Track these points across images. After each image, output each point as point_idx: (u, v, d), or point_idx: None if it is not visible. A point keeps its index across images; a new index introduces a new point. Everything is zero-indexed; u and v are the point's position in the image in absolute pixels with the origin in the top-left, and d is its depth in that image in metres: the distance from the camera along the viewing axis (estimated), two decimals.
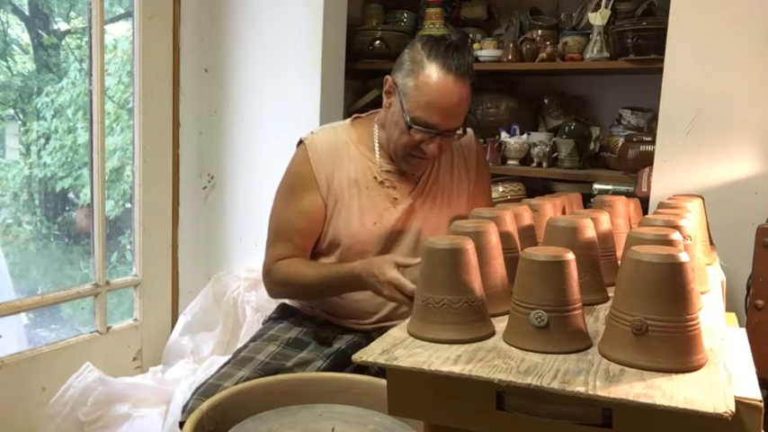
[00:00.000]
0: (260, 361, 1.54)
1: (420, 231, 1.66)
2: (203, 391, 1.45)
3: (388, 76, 1.60)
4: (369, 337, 1.66)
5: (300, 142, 1.69)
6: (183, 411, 1.44)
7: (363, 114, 1.76)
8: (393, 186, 1.66)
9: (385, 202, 1.65)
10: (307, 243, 1.66)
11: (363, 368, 1.45)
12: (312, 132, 1.69)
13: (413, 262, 1.42)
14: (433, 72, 1.51)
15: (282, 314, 1.77)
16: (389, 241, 1.64)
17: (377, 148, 1.67)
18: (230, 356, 1.62)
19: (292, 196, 1.65)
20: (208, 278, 2.66)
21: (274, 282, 1.65)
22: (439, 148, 1.56)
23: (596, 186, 2.43)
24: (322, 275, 1.58)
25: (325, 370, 1.56)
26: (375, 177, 1.65)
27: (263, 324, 1.79)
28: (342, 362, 1.59)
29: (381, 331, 1.53)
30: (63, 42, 3.01)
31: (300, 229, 1.64)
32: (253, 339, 1.68)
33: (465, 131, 1.61)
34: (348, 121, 1.74)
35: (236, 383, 1.43)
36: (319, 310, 1.72)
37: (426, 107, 1.51)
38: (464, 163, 1.75)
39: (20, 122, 2.97)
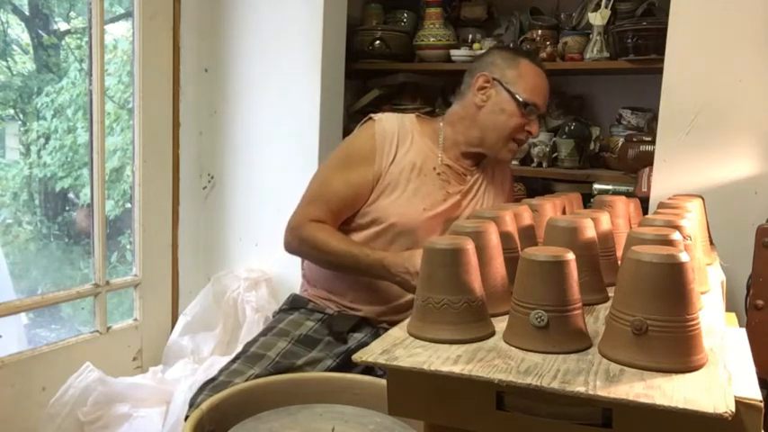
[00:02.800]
0: (271, 359, 1.56)
1: None
2: (213, 387, 1.46)
3: (483, 73, 1.73)
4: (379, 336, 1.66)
5: (369, 119, 1.76)
6: (190, 406, 1.45)
7: (425, 116, 1.87)
8: (448, 181, 1.75)
9: (437, 193, 1.73)
10: (342, 213, 1.70)
11: (371, 368, 1.46)
12: (382, 113, 1.79)
13: None
14: (527, 64, 1.74)
15: (293, 305, 1.77)
16: (431, 230, 1.69)
17: (441, 143, 1.77)
18: (240, 351, 1.62)
19: (345, 165, 1.71)
20: (208, 278, 2.66)
21: (300, 238, 1.68)
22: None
23: (596, 186, 2.43)
24: (352, 254, 1.61)
25: (334, 369, 1.57)
26: (434, 168, 1.74)
27: (273, 316, 1.79)
28: (351, 361, 1.59)
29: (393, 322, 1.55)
30: (63, 42, 3.01)
31: (342, 198, 1.69)
32: (263, 333, 1.68)
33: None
34: (413, 115, 1.84)
35: (247, 381, 1.44)
36: (336, 299, 1.74)
37: (533, 90, 1.72)
38: (501, 185, 1.89)
39: (20, 122, 2.97)
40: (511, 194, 1.98)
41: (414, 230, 1.68)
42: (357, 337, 1.69)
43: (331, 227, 1.68)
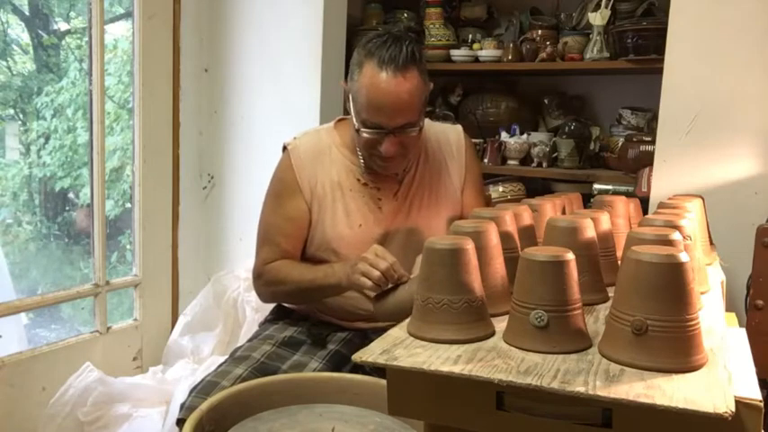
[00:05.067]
0: (256, 359, 1.55)
1: (409, 232, 1.65)
2: (201, 389, 1.46)
3: (341, 82, 1.60)
4: (362, 334, 1.66)
5: (285, 148, 1.69)
6: (180, 409, 1.45)
7: (348, 116, 1.72)
8: (377, 188, 1.65)
9: (369, 204, 1.64)
10: (294, 247, 1.66)
11: (360, 367, 1.46)
12: (295, 137, 1.69)
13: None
14: (368, 71, 1.48)
15: (278, 315, 1.78)
16: (377, 243, 1.61)
17: (359, 150, 1.65)
18: (228, 356, 1.63)
19: (278, 202, 1.66)
20: (208, 278, 2.66)
21: (266, 284, 1.66)
22: (397, 146, 1.53)
23: (596, 186, 2.43)
24: (312, 275, 1.59)
25: (320, 371, 1.57)
26: (358, 180, 1.65)
27: (259, 326, 1.80)
28: (337, 362, 1.59)
29: (376, 329, 1.54)
30: (63, 42, 3.01)
31: (287, 234, 1.65)
32: (249, 340, 1.69)
33: (422, 125, 1.57)
34: (332, 123, 1.73)
35: (234, 381, 1.44)
36: (315, 310, 1.72)
37: (368, 108, 1.49)
38: (453, 161, 1.72)
39: (20, 122, 2.97)
40: (474, 162, 1.77)
41: (358, 249, 1.56)
42: (340, 336, 1.68)
43: (290, 260, 1.64)
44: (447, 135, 1.73)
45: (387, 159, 1.56)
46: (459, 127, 1.78)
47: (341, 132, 1.69)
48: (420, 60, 1.52)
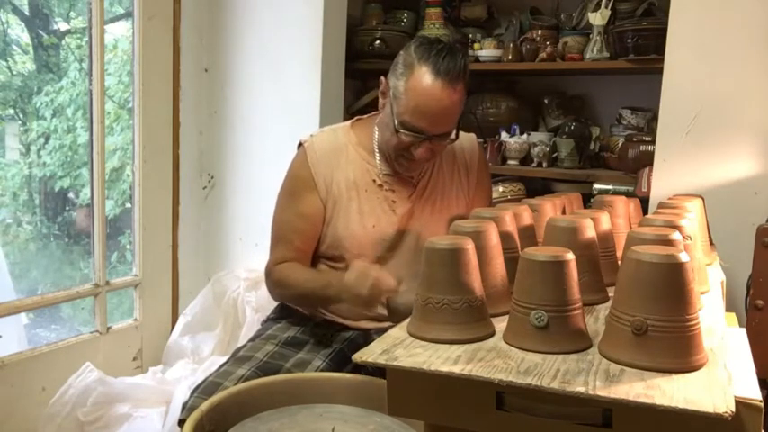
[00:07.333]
0: (259, 359, 1.55)
1: (420, 235, 1.65)
2: (203, 389, 1.46)
3: (383, 77, 1.61)
4: (367, 334, 1.66)
5: (300, 145, 1.69)
6: (182, 409, 1.45)
7: (365, 116, 1.75)
8: (392, 190, 1.66)
9: (383, 205, 1.64)
10: (307, 245, 1.66)
11: (362, 367, 1.46)
12: (311, 135, 1.69)
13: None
14: (421, 76, 1.49)
15: (281, 314, 1.78)
16: (388, 244, 1.63)
17: (376, 151, 1.66)
18: (229, 356, 1.62)
19: (292, 199, 1.66)
20: (208, 278, 2.66)
21: (274, 283, 1.66)
22: (429, 152, 1.55)
23: (596, 186, 2.43)
24: (313, 290, 1.58)
25: (323, 370, 1.57)
26: (374, 180, 1.65)
27: (261, 324, 1.80)
28: (340, 361, 1.59)
29: (379, 329, 1.54)
30: (63, 42, 3.01)
31: (301, 232, 1.65)
32: (251, 339, 1.68)
33: (457, 136, 1.59)
34: (349, 122, 1.74)
35: (236, 382, 1.44)
36: (320, 309, 1.72)
37: (414, 111, 1.50)
38: (465, 168, 1.74)
39: (20, 122, 2.97)
40: (485, 170, 1.80)
41: (370, 250, 1.59)
42: (344, 335, 1.68)
43: (299, 264, 1.64)
44: (461, 142, 1.74)
45: (415, 162, 1.58)
46: (472, 135, 1.80)
47: (357, 132, 1.69)
48: (468, 75, 1.55)
